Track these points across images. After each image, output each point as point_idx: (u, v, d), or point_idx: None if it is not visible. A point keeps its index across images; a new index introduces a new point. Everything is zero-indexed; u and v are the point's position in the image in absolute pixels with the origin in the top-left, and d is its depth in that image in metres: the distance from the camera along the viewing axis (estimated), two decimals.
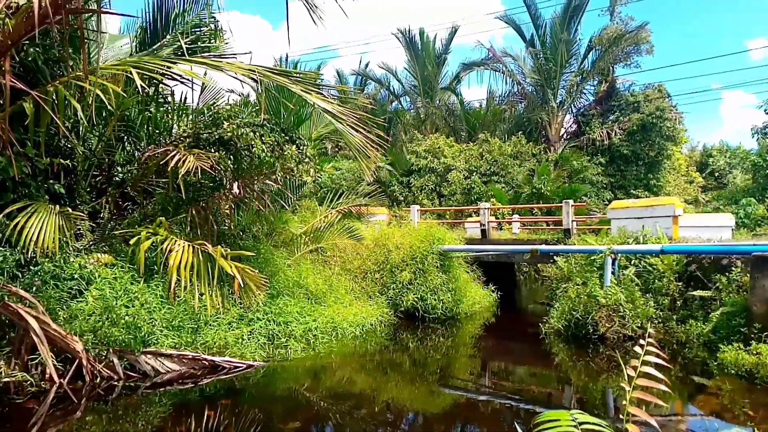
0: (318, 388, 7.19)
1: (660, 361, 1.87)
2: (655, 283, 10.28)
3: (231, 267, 7.25)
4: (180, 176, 7.40)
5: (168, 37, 9.41)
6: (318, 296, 10.47)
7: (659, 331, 9.44)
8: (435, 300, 12.02)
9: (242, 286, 7.38)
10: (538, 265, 19.48)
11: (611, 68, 30.39)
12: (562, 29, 28.74)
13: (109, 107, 7.44)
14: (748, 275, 8.36)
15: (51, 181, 7.79)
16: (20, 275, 6.83)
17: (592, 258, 10.85)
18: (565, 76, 30.10)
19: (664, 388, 1.83)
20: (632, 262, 10.79)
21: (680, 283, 10.11)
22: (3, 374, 6.21)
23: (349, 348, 9.21)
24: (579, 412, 1.81)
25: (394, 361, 8.72)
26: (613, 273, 10.27)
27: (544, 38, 30.03)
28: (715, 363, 7.65)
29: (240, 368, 7.36)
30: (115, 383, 6.58)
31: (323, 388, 7.24)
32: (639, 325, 9.38)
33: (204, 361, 7.27)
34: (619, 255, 10.60)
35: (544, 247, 13.05)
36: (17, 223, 6.54)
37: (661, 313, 9.80)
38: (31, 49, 7.46)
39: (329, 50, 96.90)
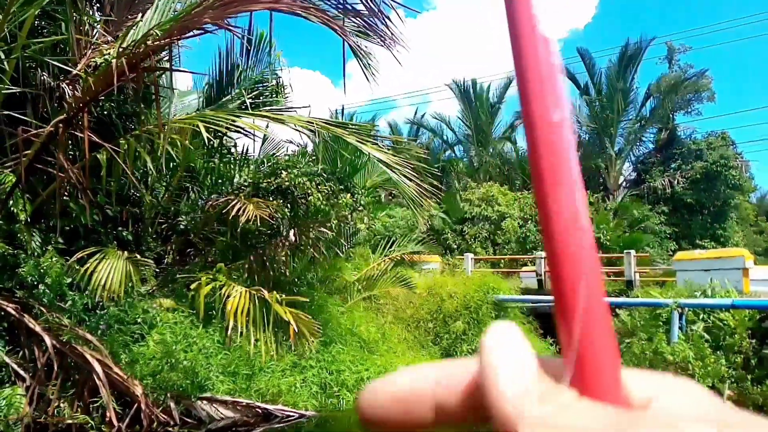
0: None
1: None
2: (726, 340, 9.64)
3: (286, 312, 7.31)
4: (240, 225, 7.63)
5: (233, 92, 9.90)
6: (370, 345, 10.36)
7: (733, 391, 8.80)
8: None
9: (296, 332, 7.42)
10: None
11: (671, 116, 29.73)
12: (618, 78, 28.48)
13: (176, 158, 7.83)
14: None
15: (120, 229, 8.19)
16: (87, 319, 7.12)
17: (658, 312, 10.33)
18: (622, 124, 29.61)
19: None
20: (701, 317, 10.19)
21: (754, 341, 9.45)
22: (66, 416, 6.41)
23: None
24: None
25: None
26: (680, 328, 9.72)
27: (600, 86, 29.82)
28: None
29: (292, 417, 7.32)
30: (171, 429, 6.66)
31: None
32: (710, 384, 8.77)
33: (258, 409, 7.28)
34: (687, 309, 10.05)
35: None
36: (87, 268, 6.86)
37: (734, 372, 9.14)
38: (107, 105, 8.00)
39: (384, 102, 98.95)
